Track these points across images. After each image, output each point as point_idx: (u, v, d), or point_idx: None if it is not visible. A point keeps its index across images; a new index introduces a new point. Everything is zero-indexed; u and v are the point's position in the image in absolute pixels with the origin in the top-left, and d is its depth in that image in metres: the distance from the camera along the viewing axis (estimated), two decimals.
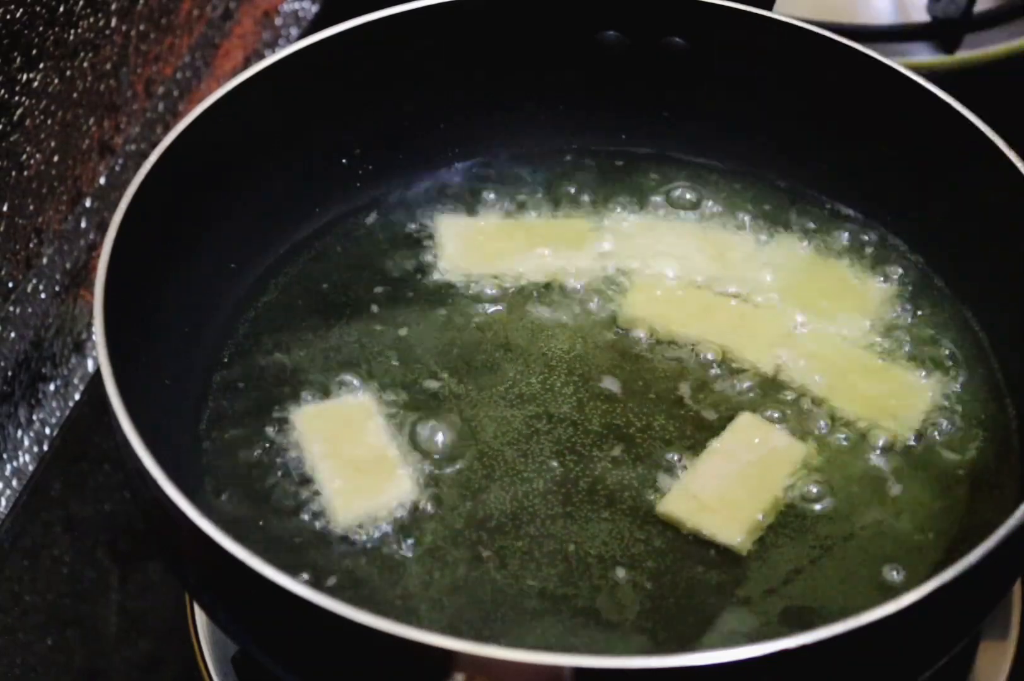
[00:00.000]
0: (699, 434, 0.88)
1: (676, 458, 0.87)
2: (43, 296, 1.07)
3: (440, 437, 0.88)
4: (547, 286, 0.96)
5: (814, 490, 0.86)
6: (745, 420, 0.88)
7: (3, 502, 1.03)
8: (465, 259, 0.97)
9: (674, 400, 0.90)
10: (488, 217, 0.99)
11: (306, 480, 0.86)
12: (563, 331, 0.94)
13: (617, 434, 0.88)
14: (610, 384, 0.91)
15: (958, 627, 0.79)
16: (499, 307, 0.95)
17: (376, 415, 0.89)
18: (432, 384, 0.91)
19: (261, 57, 1.31)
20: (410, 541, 0.83)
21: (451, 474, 0.86)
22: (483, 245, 0.97)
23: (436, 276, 0.97)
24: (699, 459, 0.87)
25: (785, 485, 0.86)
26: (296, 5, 1.38)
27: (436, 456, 0.87)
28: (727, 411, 0.89)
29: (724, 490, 0.85)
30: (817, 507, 0.85)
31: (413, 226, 0.99)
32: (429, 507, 0.85)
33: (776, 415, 0.89)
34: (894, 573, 0.83)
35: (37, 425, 1.07)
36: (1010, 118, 0.93)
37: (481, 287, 0.96)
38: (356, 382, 0.90)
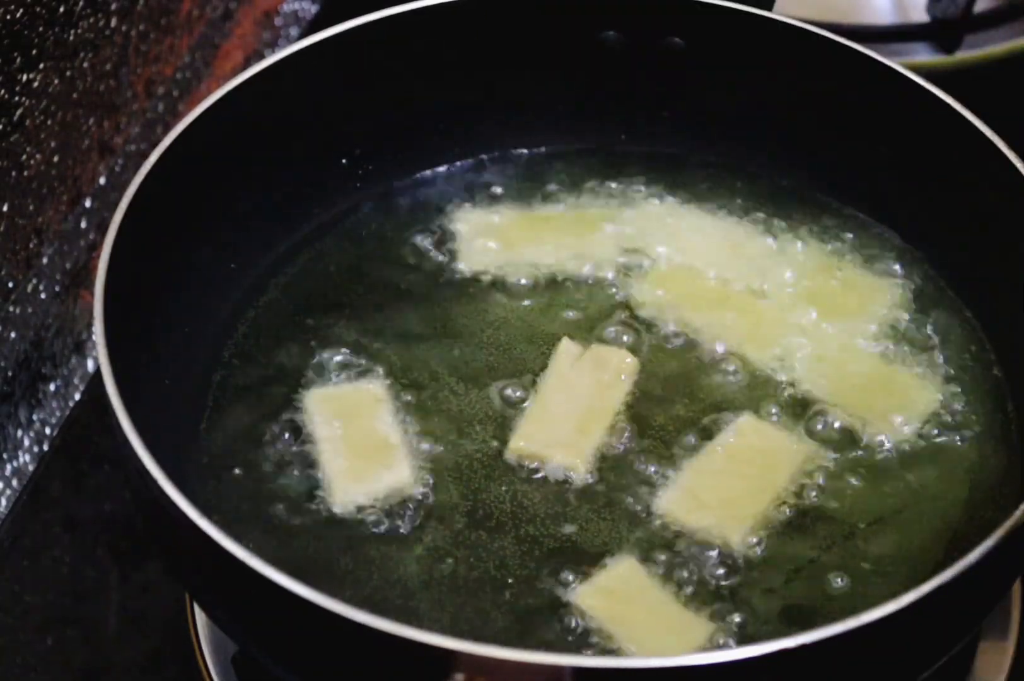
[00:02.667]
0: (699, 434, 0.88)
1: (676, 457, 0.87)
2: (43, 296, 1.07)
3: (442, 433, 0.88)
4: (555, 280, 0.96)
5: (814, 490, 0.86)
6: (746, 420, 0.88)
7: (3, 502, 1.03)
8: (480, 252, 0.97)
9: (677, 399, 0.90)
10: (500, 211, 0.99)
11: (306, 479, 0.86)
12: (569, 327, 0.93)
13: (618, 434, 0.88)
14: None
15: (958, 627, 0.79)
16: (503, 300, 0.95)
17: (384, 401, 0.89)
18: (433, 381, 0.91)
19: (261, 57, 1.31)
20: (409, 537, 0.83)
21: (452, 471, 0.86)
22: (498, 238, 0.97)
23: (437, 271, 0.97)
24: (699, 459, 0.87)
25: (785, 485, 0.85)
26: (296, 5, 1.38)
27: (438, 451, 0.87)
28: (728, 410, 0.89)
29: (724, 490, 0.85)
30: (817, 507, 0.85)
31: (412, 224, 0.99)
32: (429, 502, 0.85)
33: (777, 415, 0.89)
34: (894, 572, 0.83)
35: (37, 425, 1.07)
36: (1010, 118, 0.92)
37: (486, 280, 0.96)
38: (358, 380, 0.90)
